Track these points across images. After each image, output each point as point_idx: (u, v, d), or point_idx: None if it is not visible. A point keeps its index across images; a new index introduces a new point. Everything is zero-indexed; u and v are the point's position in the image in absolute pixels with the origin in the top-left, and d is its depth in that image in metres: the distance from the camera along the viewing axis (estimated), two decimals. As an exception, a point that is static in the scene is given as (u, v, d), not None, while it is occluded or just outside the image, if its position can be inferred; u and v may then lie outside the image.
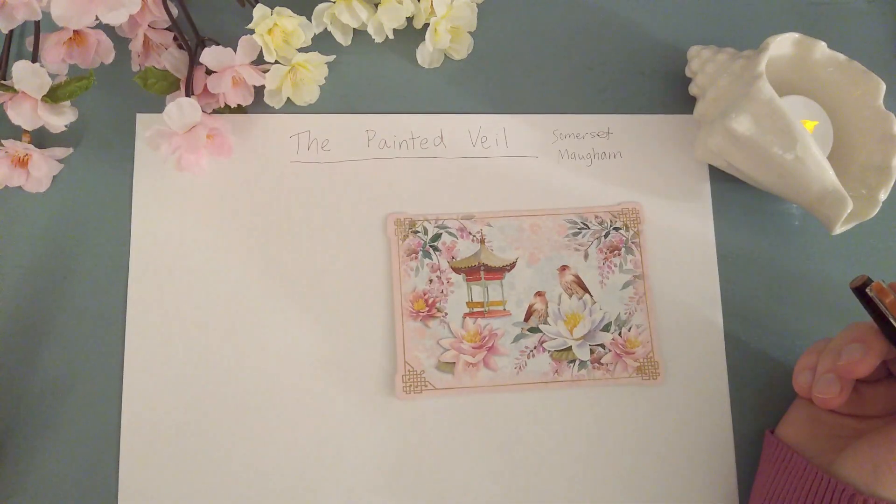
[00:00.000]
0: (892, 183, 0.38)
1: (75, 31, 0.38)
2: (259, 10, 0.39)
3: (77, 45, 0.39)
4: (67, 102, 0.39)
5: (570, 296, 0.40)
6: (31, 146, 0.39)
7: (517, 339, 0.39)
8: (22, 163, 0.39)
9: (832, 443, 0.35)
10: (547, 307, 0.40)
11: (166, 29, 0.41)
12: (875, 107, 0.39)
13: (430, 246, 0.40)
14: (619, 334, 0.40)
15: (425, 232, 0.40)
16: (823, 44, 0.40)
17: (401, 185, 0.42)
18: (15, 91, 0.37)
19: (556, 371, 0.39)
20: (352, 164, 0.42)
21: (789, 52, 0.40)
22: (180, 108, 0.37)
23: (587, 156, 0.43)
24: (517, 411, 0.39)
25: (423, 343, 0.39)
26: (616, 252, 0.40)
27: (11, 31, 0.40)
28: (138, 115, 0.42)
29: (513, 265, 0.40)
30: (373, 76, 0.43)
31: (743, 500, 0.39)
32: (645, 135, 0.43)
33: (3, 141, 0.38)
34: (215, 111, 0.41)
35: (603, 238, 0.40)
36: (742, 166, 0.39)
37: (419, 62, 0.43)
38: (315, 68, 0.41)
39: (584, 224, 0.41)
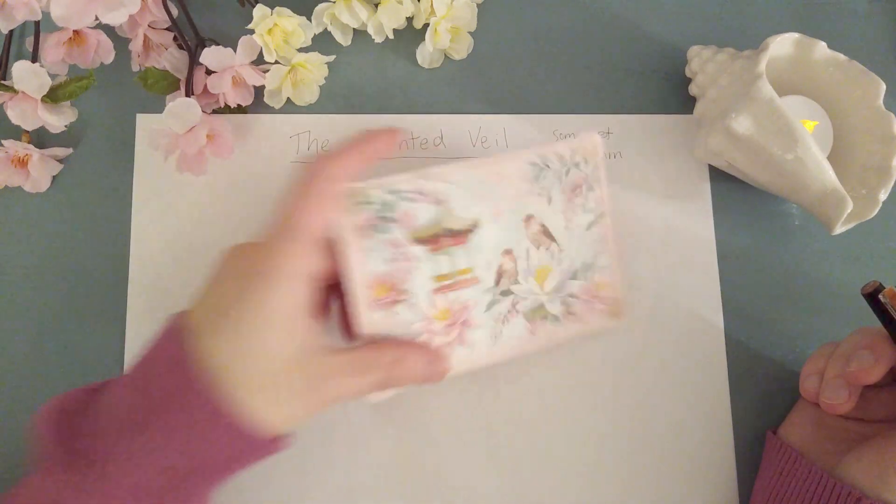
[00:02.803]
0: (892, 183, 0.38)
1: (75, 32, 0.38)
2: (259, 10, 0.39)
3: (77, 46, 0.39)
4: (67, 102, 0.39)
5: (538, 247, 0.36)
6: (31, 146, 0.39)
7: (490, 306, 0.35)
8: (22, 163, 0.39)
9: (835, 445, 0.35)
10: (516, 265, 0.36)
11: (166, 29, 0.41)
12: (875, 107, 0.39)
13: (385, 217, 0.34)
14: (588, 280, 0.37)
15: (379, 203, 0.34)
16: (823, 44, 0.40)
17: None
18: (15, 91, 0.37)
19: (532, 332, 0.36)
20: (352, 165, 0.42)
21: (789, 52, 0.40)
22: (180, 109, 0.37)
23: (587, 156, 0.43)
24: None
25: (394, 333, 0.34)
26: (578, 191, 0.37)
27: (11, 32, 0.40)
28: (138, 116, 0.42)
29: (477, 224, 0.35)
30: (373, 76, 0.43)
31: (743, 501, 0.39)
32: (645, 135, 0.43)
33: (2, 141, 0.38)
34: (215, 111, 0.41)
35: (564, 177, 0.36)
36: (742, 166, 0.39)
37: (419, 62, 0.43)
38: (315, 68, 0.41)
39: (546, 164, 0.36)
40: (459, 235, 0.35)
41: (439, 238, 0.35)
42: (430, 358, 0.33)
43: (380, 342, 0.33)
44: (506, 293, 0.36)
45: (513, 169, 0.36)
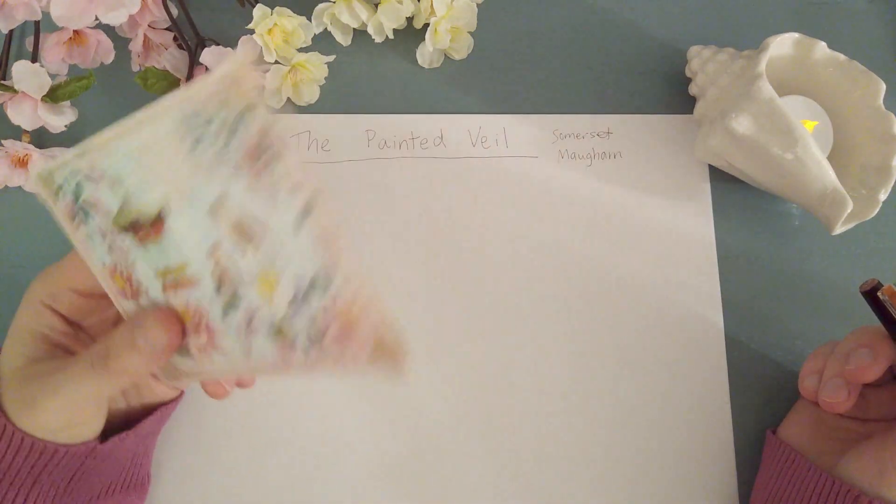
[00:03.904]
0: (892, 183, 0.38)
1: (75, 31, 0.38)
2: (259, 10, 0.39)
3: (77, 45, 0.39)
4: (67, 102, 0.39)
5: (244, 246, 0.25)
6: (31, 146, 0.39)
7: (225, 313, 0.26)
8: (22, 163, 0.39)
9: (834, 445, 0.35)
10: (229, 267, 0.25)
11: (166, 29, 0.41)
12: (875, 107, 0.39)
13: (80, 202, 0.27)
14: (330, 297, 0.24)
15: (70, 187, 0.27)
16: (823, 44, 0.40)
17: (401, 186, 0.42)
18: (15, 91, 0.37)
19: (284, 360, 0.26)
20: (352, 165, 0.42)
21: (789, 52, 0.40)
22: (180, 108, 0.37)
23: (587, 156, 0.43)
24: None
25: None
26: (259, 163, 0.24)
27: (11, 31, 0.40)
28: (138, 115, 0.42)
29: (166, 210, 0.25)
30: (373, 76, 0.43)
31: (743, 501, 0.39)
32: (645, 135, 0.43)
33: (3, 141, 0.38)
34: (215, 111, 0.41)
35: (231, 137, 0.24)
36: (742, 166, 0.39)
37: (419, 62, 0.43)
38: (315, 68, 0.41)
39: (206, 119, 0.25)
40: (154, 224, 0.26)
41: (140, 226, 0.26)
42: (166, 318, 0.27)
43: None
44: (232, 303, 0.26)
45: (164, 136, 0.25)
